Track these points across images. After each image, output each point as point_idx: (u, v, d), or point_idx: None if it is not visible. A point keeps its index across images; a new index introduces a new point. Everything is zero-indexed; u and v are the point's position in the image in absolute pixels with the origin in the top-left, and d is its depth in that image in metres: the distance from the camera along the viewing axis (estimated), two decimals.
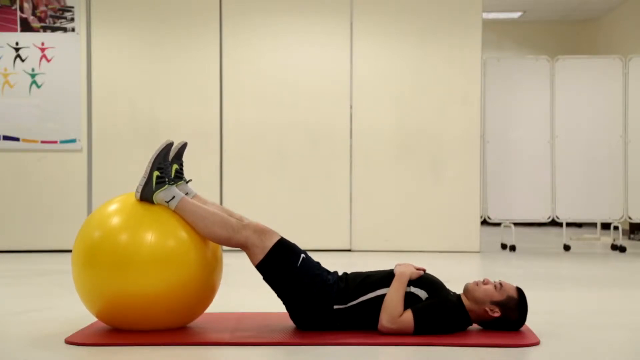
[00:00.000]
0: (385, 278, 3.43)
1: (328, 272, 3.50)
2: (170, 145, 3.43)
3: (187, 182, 3.53)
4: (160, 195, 3.38)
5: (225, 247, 3.59)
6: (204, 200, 3.59)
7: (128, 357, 3.07)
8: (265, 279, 3.43)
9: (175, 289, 3.29)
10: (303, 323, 3.44)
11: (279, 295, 3.44)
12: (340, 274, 3.54)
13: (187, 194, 3.55)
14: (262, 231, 3.39)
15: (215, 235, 3.39)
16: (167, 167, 3.41)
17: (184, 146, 3.53)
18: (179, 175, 3.50)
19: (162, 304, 3.29)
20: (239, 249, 3.42)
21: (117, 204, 3.42)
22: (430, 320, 3.32)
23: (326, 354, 3.11)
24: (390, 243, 7.40)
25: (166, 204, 3.38)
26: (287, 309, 3.45)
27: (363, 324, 3.41)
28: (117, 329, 3.46)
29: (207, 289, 3.45)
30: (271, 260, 3.37)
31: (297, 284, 3.37)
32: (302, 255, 3.43)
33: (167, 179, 3.39)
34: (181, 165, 3.53)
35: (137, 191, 3.39)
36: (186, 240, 3.34)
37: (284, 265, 3.38)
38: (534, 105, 7.73)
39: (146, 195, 3.38)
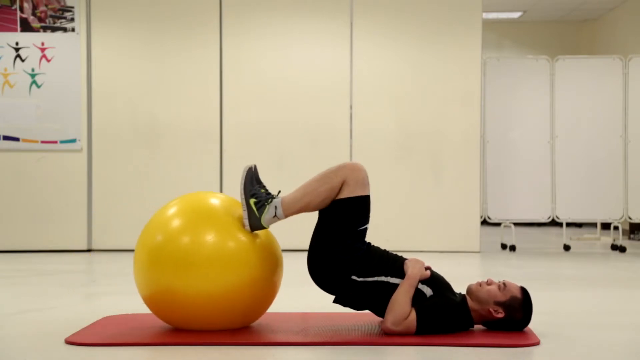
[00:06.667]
0: (398, 265, 3.42)
1: (364, 243, 3.50)
2: (250, 170, 3.49)
3: (278, 194, 3.52)
4: (266, 217, 3.41)
5: (284, 247, 3.62)
6: None
7: (128, 356, 3.08)
8: (322, 213, 3.44)
9: (236, 290, 3.32)
10: (319, 278, 3.43)
11: (315, 238, 3.43)
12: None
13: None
14: (358, 172, 3.39)
15: (326, 195, 3.41)
16: (257, 191, 3.46)
17: (255, 169, 3.56)
18: (269, 192, 3.52)
19: (223, 304, 3.32)
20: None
21: (175, 207, 3.46)
22: (432, 321, 3.33)
23: (325, 353, 3.11)
24: (390, 243, 7.37)
25: (276, 218, 3.42)
26: (310, 257, 3.44)
27: (367, 303, 3.42)
28: (118, 331, 3.48)
29: (268, 290, 3.46)
30: (345, 206, 3.39)
31: (339, 241, 3.38)
32: (366, 225, 3.45)
33: (263, 201, 3.43)
34: (264, 185, 3.55)
35: (245, 226, 3.41)
36: (246, 241, 3.38)
37: (348, 218, 3.39)
38: (534, 105, 7.73)
39: (256, 225, 3.41)
